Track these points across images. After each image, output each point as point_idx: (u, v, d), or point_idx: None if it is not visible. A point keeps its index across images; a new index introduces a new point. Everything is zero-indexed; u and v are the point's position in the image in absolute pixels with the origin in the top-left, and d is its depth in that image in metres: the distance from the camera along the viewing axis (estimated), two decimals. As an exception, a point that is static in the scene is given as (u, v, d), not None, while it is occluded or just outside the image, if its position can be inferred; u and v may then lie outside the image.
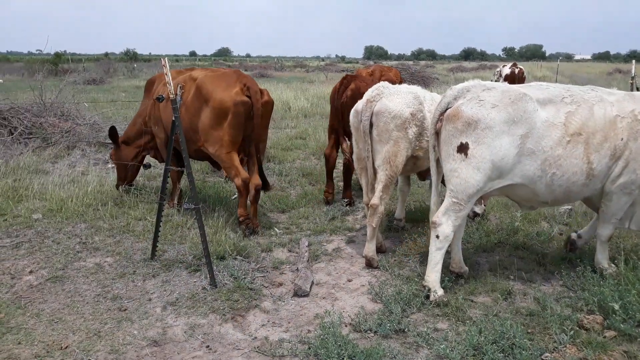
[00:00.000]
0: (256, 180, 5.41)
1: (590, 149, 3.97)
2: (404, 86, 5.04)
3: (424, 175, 5.65)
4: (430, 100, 4.99)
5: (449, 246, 4.32)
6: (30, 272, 4.48)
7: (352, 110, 4.94)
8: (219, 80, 5.37)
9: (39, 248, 4.94)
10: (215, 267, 4.36)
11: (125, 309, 3.88)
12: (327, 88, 20.57)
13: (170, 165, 4.63)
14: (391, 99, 4.67)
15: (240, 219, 5.38)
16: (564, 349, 3.33)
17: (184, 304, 3.98)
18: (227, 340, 3.52)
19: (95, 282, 4.31)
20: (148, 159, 6.78)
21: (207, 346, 3.45)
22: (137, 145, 6.54)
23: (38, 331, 3.58)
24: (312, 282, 4.36)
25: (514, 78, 17.22)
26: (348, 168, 6.38)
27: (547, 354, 3.28)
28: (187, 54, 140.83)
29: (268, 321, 3.78)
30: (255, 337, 3.56)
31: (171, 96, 4.24)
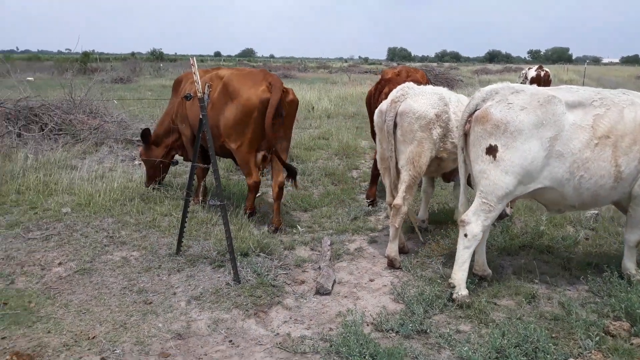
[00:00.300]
0: (280, 178, 5.47)
1: (619, 152, 3.92)
2: (429, 87, 5.03)
3: (449, 176, 5.61)
4: (456, 102, 4.97)
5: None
6: (60, 264, 4.60)
7: (377, 110, 4.95)
8: (245, 78, 5.46)
9: (68, 241, 5.06)
10: (238, 264, 4.42)
11: (151, 302, 3.96)
12: (350, 89, 20.60)
13: (196, 163, 4.71)
14: (416, 100, 4.67)
15: (247, 211, 5.67)
16: (589, 354, 3.28)
17: (208, 298, 4.04)
18: (249, 336, 3.56)
19: (122, 275, 4.41)
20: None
21: (230, 341, 3.49)
22: (166, 144, 6.65)
23: (67, 321, 3.67)
24: (334, 281, 4.38)
25: (540, 81, 16.98)
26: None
27: (571, 359, 3.24)
28: (212, 54, 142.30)
29: (290, 318, 3.82)
30: (278, 333, 3.60)
31: (199, 94, 4.32)
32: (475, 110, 4.10)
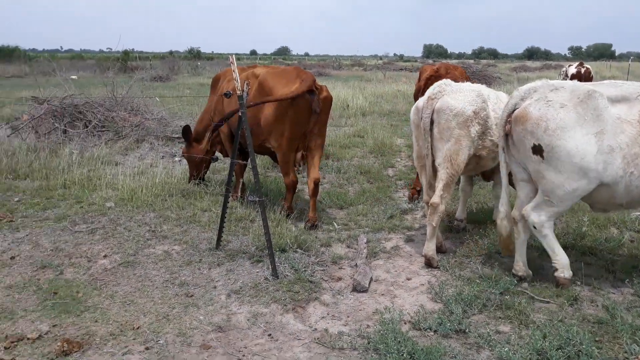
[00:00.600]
0: (315, 174, 5.53)
1: None
2: (467, 84, 4.98)
3: (488, 175, 5.54)
4: (495, 99, 4.90)
5: (515, 248, 4.26)
6: (105, 256, 4.76)
7: (413, 108, 4.93)
8: (280, 76, 5.56)
9: (112, 234, 5.23)
10: (276, 259, 4.47)
11: (192, 295, 4.06)
12: (385, 87, 20.51)
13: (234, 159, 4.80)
14: (453, 96, 4.63)
15: (286, 210, 5.76)
16: None
17: (247, 292, 4.11)
18: (288, 330, 3.61)
19: (164, 268, 4.53)
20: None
21: (269, 334, 3.55)
22: (207, 141, 6.78)
23: (112, 311, 3.80)
24: (371, 279, 4.39)
25: (580, 78, 16.57)
26: None
27: (616, 363, 3.17)
28: (248, 52, 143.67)
29: (327, 314, 3.85)
30: (316, 329, 3.64)
31: (238, 92, 4.40)
32: (515, 110, 4.04)
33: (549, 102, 3.87)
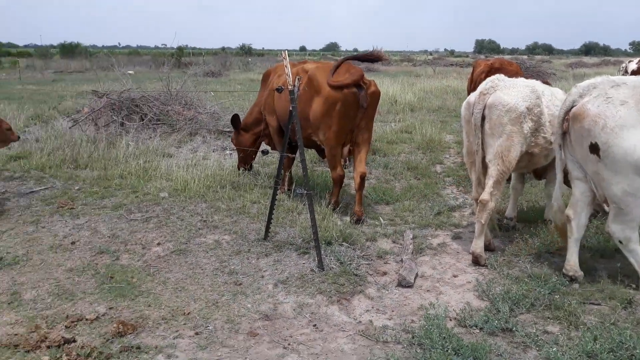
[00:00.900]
0: (362, 168, 5.56)
1: None
2: (521, 80, 4.87)
3: (540, 173, 5.40)
4: (549, 96, 4.77)
5: (566, 247, 4.16)
6: (158, 244, 4.96)
7: (464, 103, 4.86)
8: (328, 72, 5.60)
9: (165, 223, 5.44)
10: (322, 252, 4.53)
11: (240, 284, 4.18)
12: (435, 82, 20.20)
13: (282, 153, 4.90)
14: (506, 92, 4.54)
15: (333, 204, 5.81)
16: (694, 367, 3.06)
17: (294, 283, 4.20)
18: (332, 322, 3.67)
19: (214, 257, 4.68)
20: (264, 146, 7.17)
21: (314, 325, 3.62)
22: (254, 132, 6.95)
23: (164, 297, 3.97)
24: (417, 274, 4.38)
25: (643, 74, 15.73)
26: None
27: (672, 370, 3.05)
28: (297, 48, 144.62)
29: (372, 307, 3.88)
30: (360, 321, 3.68)
31: (289, 87, 4.48)
32: (572, 107, 3.93)
33: (609, 98, 3.74)
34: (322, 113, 5.45)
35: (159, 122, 9.78)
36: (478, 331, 3.52)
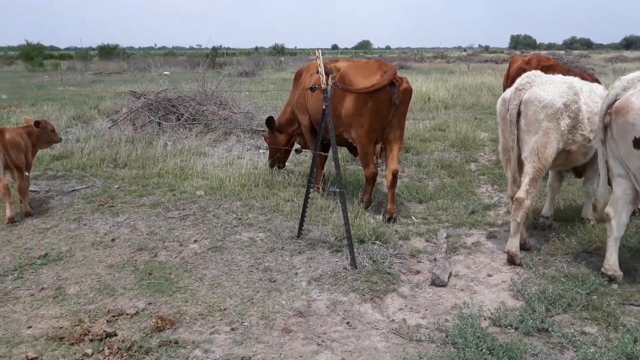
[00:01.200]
0: (394, 166, 5.54)
1: None
2: (558, 76, 4.78)
3: (580, 171, 5.27)
4: (588, 92, 4.66)
5: (604, 247, 4.06)
6: (195, 241, 5.08)
7: (500, 99, 4.80)
8: (361, 69, 5.63)
9: (202, 221, 5.57)
10: (355, 250, 4.56)
11: (275, 281, 4.25)
12: (469, 79, 19.87)
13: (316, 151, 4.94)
14: (543, 88, 4.46)
15: (365, 202, 5.84)
16: None
17: (327, 280, 4.24)
18: (366, 319, 3.69)
19: (249, 254, 4.77)
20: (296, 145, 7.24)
21: (348, 322, 3.65)
22: (288, 132, 7.03)
23: (201, 293, 4.07)
24: (450, 273, 4.36)
25: (690, 68, 15.14)
26: None
27: None
28: (329, 47, 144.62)
29: (405, 306, 3.89)
30: (393, 320, 3.69)
31: (322, 85, 4.52)
32: (616, 101, 3.83)
33: None
34: (354, 111, 5.47)
35: (194, 122, 9.97)
36: (513, 331, 3.48)
